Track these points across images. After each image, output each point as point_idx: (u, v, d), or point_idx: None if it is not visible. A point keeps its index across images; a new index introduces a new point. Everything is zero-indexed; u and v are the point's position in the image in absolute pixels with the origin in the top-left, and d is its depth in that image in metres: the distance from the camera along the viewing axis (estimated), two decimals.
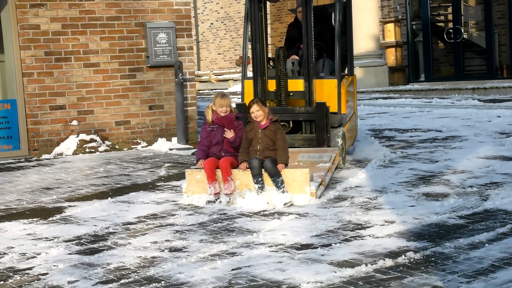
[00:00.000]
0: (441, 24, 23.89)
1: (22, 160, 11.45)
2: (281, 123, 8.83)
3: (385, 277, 5.22)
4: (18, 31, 11.63)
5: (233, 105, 8.40)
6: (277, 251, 6.02)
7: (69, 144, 11.84)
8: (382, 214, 7.03)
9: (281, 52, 9.38)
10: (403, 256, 5.64)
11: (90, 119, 12.15)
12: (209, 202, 7.73)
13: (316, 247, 6.08)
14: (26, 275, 5.67)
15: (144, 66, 12.53)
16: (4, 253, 6.28)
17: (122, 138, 12.38)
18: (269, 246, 6.14)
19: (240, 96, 10.29)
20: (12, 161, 11.33)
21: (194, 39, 35.72)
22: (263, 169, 7.74)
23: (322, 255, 5.84)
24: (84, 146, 11.88)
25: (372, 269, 5.41)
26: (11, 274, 5.70)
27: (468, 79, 21.95)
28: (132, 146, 12.37)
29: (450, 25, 22.78)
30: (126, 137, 12.40)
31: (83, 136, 11.97)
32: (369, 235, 6.33)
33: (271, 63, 10.15)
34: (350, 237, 6.32)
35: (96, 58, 12.17)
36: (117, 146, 12.21)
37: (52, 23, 11.83)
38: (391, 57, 24.95)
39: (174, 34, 12.60)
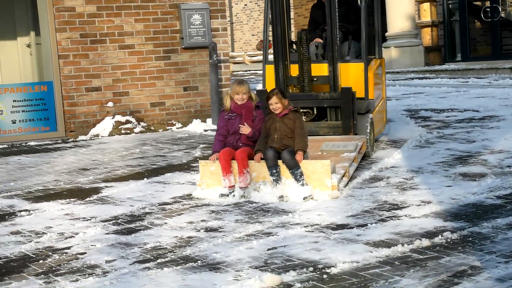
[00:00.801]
0: (478, 2, 23.58)
1: (59, 141, 11.56)
2: (305, 110, 8.62)
3: (421, 257, 5.19)
4: (54, 13, 11.70)
5: (254, 92, 7.86)
6: (312, 231, 6.02)
7: (105, 126, 11.93)
8: (419, 195, 6.99)
9: (303, 35, 8.88)
10: (440, 236, 5.61)
11: (126, 101, 12.22)
12: (222, 195, 7.23)
13: (352, 227, 6.06)
14: (64, 254, 5.74)
15: (178, 47, 12.55)
16: (43, 233, 6.36)
17: (157, 119, 12.43)
18: (304, 226, 6.14)
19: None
20: (49, 142, 11.44)
21: (228, 21, 35.69)
22: (280, 161, 7.18)
23: (358, 235, 5.83)
24: (119, 127, 11.95)
25: (409, 249, 5.38)
26: (50, 253, 5.78)
27: (506, 58, 21.66)
28: (167, 127, 12.43)
29: (487, 3, 22.47)
30: (161, 119, 12.45)
31: (118, 118, 12.05)
32: (405, 215, 6.29)
33: (294, 47, 9.53)
34: (386, 217, 6.30)
35: (131, 40, 12.21)
36: (152, 127, 12.27)
37: (87, 5, 11.88)
38: (427, 36, 24.70)
39: (208, 15, 12.59)
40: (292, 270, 5.08)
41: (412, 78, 20.73)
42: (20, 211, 7.17)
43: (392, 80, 20.02)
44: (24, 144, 11.33)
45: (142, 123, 12.23)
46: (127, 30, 12.18)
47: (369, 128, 8.77)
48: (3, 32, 13.37)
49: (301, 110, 8.27)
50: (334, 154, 7.96)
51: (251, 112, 7.49)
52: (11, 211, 7.20)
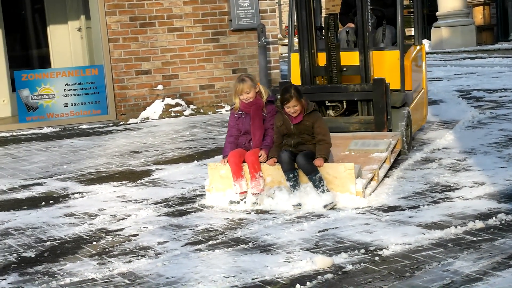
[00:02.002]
0: None
1: (110, 124, 11.68)
2: (333, 104, 7.90)
3: (475, 239, 5.13)
4: None
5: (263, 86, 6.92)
6: (363, 213, 5.99)
7: (155, 109, 12.01)
8: (471, 176, 6.89)
9: (331, 20, 7.90)
10: (494, 218, 5.53)
11: (175, 84, 12.28)
12: (232, 202, 6.46)
13: (404, 209, 6.01)
14: (117, 236, 5.80)
15: (227, 29, 12.55)
16: (96, 215, 6.44)
17: (207, 102, 12.47)
18: (355, 208, 6.11)
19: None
20: (101, 125, 11.57)
21: (276, 2, 35.55)
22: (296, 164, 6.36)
23: (410, 217, 5.78)
24: (169, 110, 12.02)
25: (462, 231, 5.32)
26: (103, 235, 5.85)
27: None
28: (217, 110, 12.45)
29: None
30: (211, 101, 12.49)
31: (168, 101, 12.11)
32: (458, 197, 6.21)
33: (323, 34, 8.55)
34: (439, 199, 6.23)
35: (180, 23, 12.25)
36: (201, 110, 12.31)
37: None
38: (479, 15, 24.28)
39: None
40: (343, 252, 5.06)
41: (464, 58, 20.43)
42: (74, 193, 7.28)
43: (443, 60, 19.76)
44: (76, 127, 11.48)
45: (191, 106, 12.28)
46: (175, 13, 12.22)
47: (405, 123, 7.80)
48: (54, 16, 13.51)
49: (329, 104, 7.95)
50: (363, 154, 7.12)
51: (260, 110, 6.63)
52: (64, 193, 7.31)
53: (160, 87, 12.14)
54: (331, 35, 7.88)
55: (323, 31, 8.29)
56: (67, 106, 11.73)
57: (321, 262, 4.87)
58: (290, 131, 6.42)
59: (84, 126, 11.46)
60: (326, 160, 6.34)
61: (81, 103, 11.79)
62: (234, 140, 6.68)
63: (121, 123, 11.76)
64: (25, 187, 7.65)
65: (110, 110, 11.91)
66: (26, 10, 13.91)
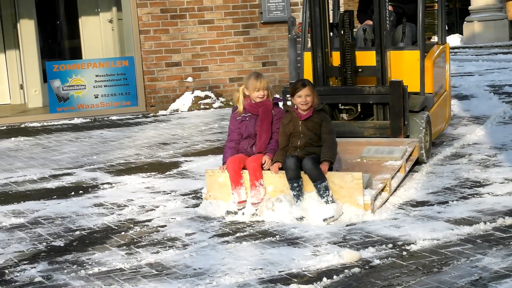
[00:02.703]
0: None
1: (140, 116, 11.74)
2: (347, 107, 7.46)
3: (504, 235, 5.08)
4: None
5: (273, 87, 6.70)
6: (392, 208, 5.96)
7: (185, 101, 12.04)
8: (502, 172, 6.82)
9: (346, 17, 7.43)
10: None
11: (205, 76, 12.30)
12: (229, 213, 5.93)
13: (433, 204, 5.98)
14: (145, 226, 5.84)
15: (257, 22, 12.54)
16: (125, 205, 6.48)
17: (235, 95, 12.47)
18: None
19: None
20: (130, 117, 11.64)
21: None
22: (302, 171, 5.84)
23: (438, 213, 5.74)
24: (199, 102, 12.05)
25: (491, 227, 5.28)
26: (132, 225, 5.89)
27: None
28: None
29: None
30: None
31: (198, 93, 12.14)
32: (488, 193, 6.16)
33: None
34: (468, 194, 6.18)
35: (210, 15, 12.26)
36: (231, 103, 12.33)
37: None
38: None
39: None
40: (371, 246, 5.05)
41: (496, 53, 20.21)
42: (103, 184, 7.33)
43: (475, 55, 19.57)
44: (106, 118, 11.55)
45: (221, 98, 12.30)
46: (206, 5, 12.23)
47: (424, 129, 7.23)
48: (86, 8, 13.60)
49: (343, 107, 7.50)
50: (375, 162, 6.60)
51: (269, 112, 6.11)
52: (94, 183, 7.37)
53: (190, 79, 12.17)
54: (346, 33, 7.42)
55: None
56: (97, 97, 11.81)
57: (348, 256, 4.86)
58: (297, 129, 5.94)
59: (114, 117, 11.54)
60: (331, 164, 5.88)
61: (111, 94, 11.86)
62: (235, 145, 6.18)
63: (150, 114, 11.82)
64: (55, 177, 7.72)
65: (140, 101, 11.96)
66: (58, 2, 14.01)
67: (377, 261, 4.78)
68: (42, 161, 8.52)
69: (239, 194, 5.96)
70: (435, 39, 8.85)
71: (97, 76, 11.79)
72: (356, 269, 4.66)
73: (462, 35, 23.59)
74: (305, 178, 5.79)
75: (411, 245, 5.03)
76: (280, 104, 6.51)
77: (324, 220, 5.58)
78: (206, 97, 12.16)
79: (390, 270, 4.62)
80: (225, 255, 5.05)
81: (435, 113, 7.83)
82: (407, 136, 7.18)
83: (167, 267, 4.88)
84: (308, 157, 5.80)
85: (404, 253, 4.90)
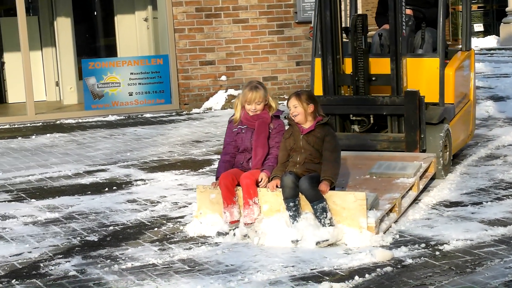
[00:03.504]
0: None
1: (173, 114, 11.79)
2: (359, 118, 6.96)
3: None
4: None
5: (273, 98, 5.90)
6: (425, 208, 5.93)
7: (218, 99, 12.07)
8: None
9: (358, 21, 6.91)
10: None
11: (238, 75, 12.32)
12: (219, 234, 5.44)
13: (466, 205, 5.94)
14: (178, 223, 5.87)
15: (292, 22, 12.53)
16: (158, 202, 6.52)
17: (269, 93, 12.46)
18: (416, 203, 6.05)
19: None
20: (164, 114, 11.69)
21: None
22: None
23: (472, 213, 5.71)
24: (232, 101, 12.07)
25: None
26: (164, 221, 5.92)
27: None
28: (279, 102, 12.46)
29: None
30: (273, 93, 12.49)
31: (231, 91, 12.16)
32: None
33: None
34: (503, 195, 6.13)
35: (245, 14, 12.28)
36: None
37: None
38: None
39: None
40: (403, 246, 5.04)
41: None
42: (136, 180, 7.38)
43: (508, 56, 19.36)
44: (140, 116, 11.62)
45: None
46: (241, 4, 12.25)
47: (441, 143, 6.72)
48: (121, 6, 13.69)
49: (354, 118, 7.00)
50: (385, 179, 6.08)
51: (266, 125, 5.62)
52: (127, 180, 7.42)
53: (223, 77, 12.20)
54: (359, 39, 6.90)
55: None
56: (131, 95, 11.89)
57: (380, 255, 4.85)
58: (298, 144, 5.47)
59: (147, 115, 11.60)
60: (332, 184, 5.38)
61: (145, 92, 11.93)
62: (230, 159, 5.69)
63: (184, 112, 11.87)
64: (89, 173, 7.80)
65: (174, 99, 12.02)
66: (95, 0, 14.13)
67: (409, 261, 4.76)
68: (77, 157, 8.60)
69: (231, 214, 5.49)
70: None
71: (131, 74, 11.86)
72: (389, 268, 4.65)
73: (499, 36, 23.36)
74: (303, 197, 5.33)
75: (444, 245, 5.01)
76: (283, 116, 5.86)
77: (317, 243, 5.10)
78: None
79: (423, 269, 4.61)
80: (257, 252, 5.06)
81: (456, 126, 7.27)
82: (424, 151, 6.66)
83: (199, 263, 4.91)
84: (305, 176, 5.31)
85: (437, 253, 4.88)
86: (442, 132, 6.76)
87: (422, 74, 7.01)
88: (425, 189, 6.31)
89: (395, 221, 5.53)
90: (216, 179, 5.62)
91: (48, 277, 4.78)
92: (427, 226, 5.45)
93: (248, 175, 5.51)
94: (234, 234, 5.41)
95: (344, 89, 7.11)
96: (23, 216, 6.23)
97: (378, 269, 4.64)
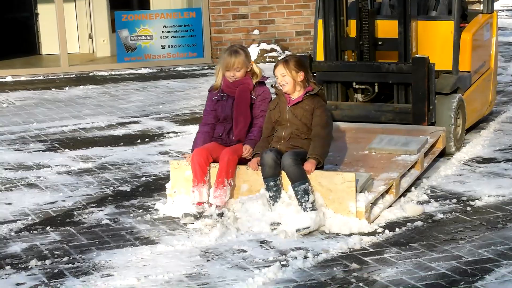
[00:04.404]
0: None
1: (205, 67, 11.78)
2: (362, 86, 6.35)
3: None
4: None
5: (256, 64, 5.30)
6: (457, 164, 5.90)
7: (250, 53, 12.02)
8: None
9: None
10: None
11: (271, 29, 12.25)
12: (187, 215, 4.85)
13: (499, 161, 5.90)
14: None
15: None
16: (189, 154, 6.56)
17: (302, 48, 12.41)
18: (448, 159, 6.02)
19: None
20: (196, 68, 11.69)
21: None
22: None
23: (505, 170, 5.68)
24: (264, 55, 12.03)
25: None
26: None
27: None
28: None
29: None
30: (306, 47, 12.42)
31: (263, 46, 12.11)
32: None
33: None
34: None
35: None
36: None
37: None
38: None
39: None
40: (434, 201, 5.03)
41: None
42: (168, 132, 7.42)
43: None
44: (172, 69, 11.63)
45: (286, 52, 12.25)
46: None
47: (453, 115, 6.08)
48: None
49: (358, 86, 6.41)
50: (385, 156, 5.50)
51: (247, 92, 5.09)
52: (159, 132, 7.47)
53: (256, 31, 12.14)
54: None
55: None
56: (164, 48, 11.89)
57: (411, 209, 4.86)
58: (284, 116, 4.90)
59: (180, 68, 11.61)
60: (320, 164, 4.81)
61: (178, 45, 11.92)
62: (209, 130, 5.16)
63: (215, 66, 11.85)
64: (122, 124, 7.85)
65: (206, 53, 12.00)
66: None
67: (440, 216, 4.76)
68: (110, 109, 8.66)
69: (200, 193, 4.92)
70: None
71: (164, 27, 11.85)
72: (419, 223, 4.65)
73: None
74: (285, 176, 4.78)
75: (476, 200, 5.00)
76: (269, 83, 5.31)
77: (297, 230, 4.57)
78: (272, 50, 12.12)
79: (454, 224, 4.61)
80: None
81: (473, 96, 6.63)
82: (432, 124, 6.05)
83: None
84: (289, 152, 4.77)
85: (469, 208, 4.87)
86: (454, 103, 6.12)
87: (434, 39, 6.41)
88: (430, 167, 5.76)
89: (391, 205, 4.94)
90: (192, 150, 5.10)
91: (81, 225, 4.85)
92: (459, 182, 5.43)
93: (230, 151, 4.93)
94: (202, 217, 4.82)
95: (348, 54, 6.51)
96: (57, 165, 6.31)
97: (409, 224, 4.65)
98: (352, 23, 6.46)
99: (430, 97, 6.02)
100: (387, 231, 4.54)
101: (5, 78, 10.94)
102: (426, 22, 6.46)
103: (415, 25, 6.24)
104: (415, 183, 5.37)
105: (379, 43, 6.33)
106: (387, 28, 6.38)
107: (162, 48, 11.87)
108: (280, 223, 4.66)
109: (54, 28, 11.60)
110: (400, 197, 5.08)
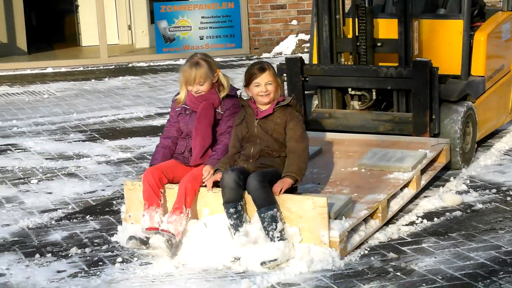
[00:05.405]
0: None
1: (243, 58, 11.80)
2: (359, 93, 5.69)
3: None
4: None
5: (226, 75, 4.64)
6: (497, 154, 5.84)
7: (288, 44, 12.01)
8: None
9: None
10: None
11: (310, 19, 12.20)
12: (131, 238, 4.23)
13: None
14: None
15: None
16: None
17: None
18: (488, 149, 5.96)
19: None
20: (234, 59, 11.71)
21: None
22: (246, 192, 4.14)
23: None
24: (302, 46, 12.00)
25: None
26: None
27: None
28: None
29: None
30: None
31: (302, 36, 12.08)
32: None
33: None
34: None
35: None
36: None
37: None
38: None
39: None
40: (473, 191, 4.99)
41: None
42: None
43: None
44: None
45: None
46: None
47: (460, 126, 5.41)
48: None
49: (354, 93, 5.73)
50: (376, 173, 4.87)
51: (210, 110, 4.43)
52: None
53: (294, 22, 12.12)
54: None
55: None
56: (202, 39, 11.93)
57: (450, 199, 4.83)
58: (252, 131, 4.27)
59: (218, 59, 11.60)
60: (297, 183, 4.19)
61: (216, 36, 11.96)
62: (170, 145, 4.55)
63: (254, 57, 11.86)
64: (160, 115, 7.90)
65: (244, 44, 12.02)
66: None
67: (479, 206, 4.72)
68: (148, 100, 8.73)
69: (151, 218, 4.27)
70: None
71: (202, 17, 11.88)
72: (458, 213, 4.62)
73: None
74: (249, 200, 4.13)
75: None
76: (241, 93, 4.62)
77: (263, 263, 3.98)
78: (310, 40, 12.09)
79: (493, 214, 4.57)
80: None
81: (486, 103, 5.91)
82: (436, 135, 5.41)
83: None
84: (255, 173, 4.13)
85: (508, 198, 4.83)
86: (462, 112, 5.44)
87: (442, 40, 5.78)
88: (435, 180, 5.21)
89: (376, 231, 4.34)
90: (150, 166, 4.52)
91: (120, 214, 4.89)
92: (499, 172, 5.38)
93: (190, 178, 4.31)
94: (148, 245, 4.21)
95: (345, 57, 5.86)
96: (96, 155, 6.39)
97: (447, 213, 4.62)
98: (349, 22, 5.89)
99: (432, 106, 5.36)
100: (425, 221, 4.52)
101: (46, 69, 11.08)
102: (433, 21, 5.82)
103: (417, 24, 5.63)
104: (454, 175, 5.32)
105: (378, 44, 5.68)
106: (388, 28, 5.76)
107: (200, 39, 11.92)
108: (240, 257, 4.05)
109: (94, 20, 11.72)
110: (388, 222, 4.47)
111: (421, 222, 4.51)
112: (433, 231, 4.37)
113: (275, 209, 4.05)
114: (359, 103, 5.74)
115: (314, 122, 5.71)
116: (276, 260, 3.98)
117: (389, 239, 4.29)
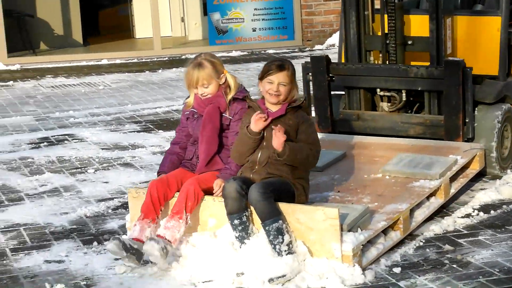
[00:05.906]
0: None
1: (296, 50, 11.79)
2: (388, 94, 5.38)
3: None
4: None
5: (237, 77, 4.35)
6: None
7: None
8: None
9: None
10: None
11: None
12: (115, 239, 3.94)
13: None
14: None
15: None
16: None
17: None
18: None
19: None
20: (287, 50, 11.71)
21: None
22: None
23: None
24: None
25: None
26: None
27: None
28: None
29: None
30: None
31: None
32: None
33: None
34: None
35: None
36: None
37: None
38: None
39: None
40: None
41: None
42: None
43: None
44: (262, 51, 11.68)
45: None
46: None
47: (497, 130, 5.07)
48: None
49: (383, 94, 5.42)
50: (401, 181, 4.57)
51: (215, 114, 4.16)
52: None
53: None
54: None
55: None
56: (255, 31, 11.95)
57: (507, 192, 4.79)
58: (262, 135, 3.95)
59: (270, 51, 11.65)
60: (284, 155, 3.85)
61: (268, 28, 11.97)
62: (179, 151, 4.31)
63: (306, 49, 11.85)
64: None
65: (297, 35, 12.01)
66: None
67: None
68: None
69: (141, 230, 4.00)
70: None
71: (255, 9, 11.90)
72: None
73: None
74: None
75: None
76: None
77: (270, 280, 3.68)
78: None
79: None
80: None
81: None
82: (469, 140, 5.08)
83: None
84: (257, 184, 3.83)
85: None
86: (499, 115, 5.09)
87: (479, 38, 5.41)
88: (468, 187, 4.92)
89: (395, 245, 4.03)
90: (158, 173, 4.28)
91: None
92: None
93: (195, 182, 4.02)
94: (139, 260, 3.94)
95: (374, 56, 5.57)
96: (151, 146, 6.46)
97: (504, 206, 4.57)
98: (379, 19, 5.50)
99: (466, 108, 5.02)
100: (481, 213, 4.48)
101: (101, 61, 11.23)
102: (468, 18, 5.45)
103: (451, 21, 5.32)
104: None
105: (409, 42, 5.38)
106: (420, 25, 5.41)
107: (253, 31, 11.94)
108: (238, 274, 3.77)
109: (148, 12, 11.83)
110: (410, 233, 4.15)
111: (477, 214, 4.47)
112: (490, 223, 4.33)
113: (281, 221, 3.76)
114: (389, 104, 5.45)
115: (341, 124, 5.46)
116: (285, 276, 3.68)
117: (444, 231, 4.27)
